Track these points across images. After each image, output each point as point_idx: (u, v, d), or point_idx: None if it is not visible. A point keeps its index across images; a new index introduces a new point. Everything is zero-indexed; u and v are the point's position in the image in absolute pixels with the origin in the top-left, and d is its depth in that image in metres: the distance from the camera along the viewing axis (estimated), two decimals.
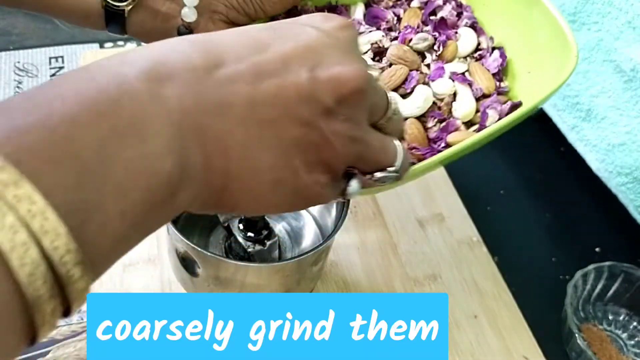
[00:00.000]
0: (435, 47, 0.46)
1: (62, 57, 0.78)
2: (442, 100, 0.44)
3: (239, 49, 0.28)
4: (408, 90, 0.44)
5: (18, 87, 0.75)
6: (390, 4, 0.49)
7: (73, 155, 0.22)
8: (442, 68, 0.45)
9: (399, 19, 0.48)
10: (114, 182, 0.23)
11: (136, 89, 0.24)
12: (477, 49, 0.47)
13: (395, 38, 0.47)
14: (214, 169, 0.27)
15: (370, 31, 0.47)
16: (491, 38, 0.47)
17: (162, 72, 0.26)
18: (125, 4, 0.42)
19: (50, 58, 0.78)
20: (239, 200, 0.29)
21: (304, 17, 0.33)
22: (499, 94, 0.45)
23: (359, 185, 0.33)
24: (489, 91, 0.44)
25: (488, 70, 0.46)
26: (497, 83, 0.45)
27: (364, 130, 0.32)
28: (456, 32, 0.47)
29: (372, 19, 0.49)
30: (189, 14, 0.44)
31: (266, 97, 0.28)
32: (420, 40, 0.46)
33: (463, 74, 0.45)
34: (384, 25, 0.48)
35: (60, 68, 0.77)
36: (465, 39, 0.47)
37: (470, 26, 0.48)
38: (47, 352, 0.54)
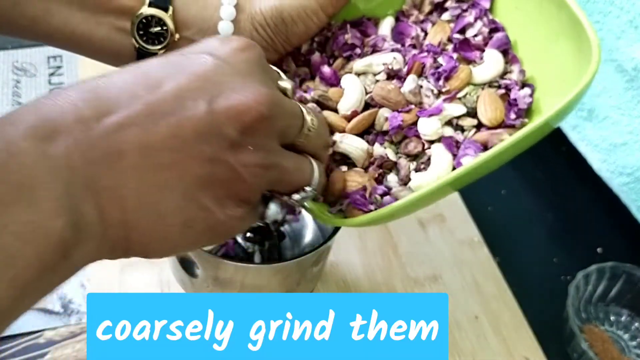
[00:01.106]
0: (433, 79, 0.39)
1: (60, 56, 0.78)
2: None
3: (130, 91, 0.27)
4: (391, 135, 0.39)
5: (16, 86, 0.74)
6: (421, 17, 0.44)
7: None
8: (440, 108, 0.38)
9: (427, 35, 0.43)
10: (2, 250, 0.22)
11: (23, 149, 0.24)
12: (503, 77, 0.40)
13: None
14: (111, 222, 0.26)
15: (393, 49, 0.42)
16: (522, 71, 0.40)
17: (48, 128, 0.25)
18: (159, 47, 0.40)
19: (48, 57, 0.78)
20: (147, 246, 0.28)
21: (200, 43, 0.31)
22: (506, 126, 0.38)
23: (278, 208, 0.33)
24: (491, 124, 0.38)
25: (506, 100, 0.39)
26: (512, 116, 0.38)
27: (276, 155, 0.30)
28: (482, 56, 0.40)
29: (398, 35, 0.44)
30: None
31: (161, 139, 0.27)
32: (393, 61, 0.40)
33: (451, 138, 0.38)
34: (408, 42, 0.43)
35: (59, 67, 0.77)
36: (489, 64, 0.40)
37: (501, 50, 0.41)
38: (46, 353, 0.53)
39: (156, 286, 0.58)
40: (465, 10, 0.42)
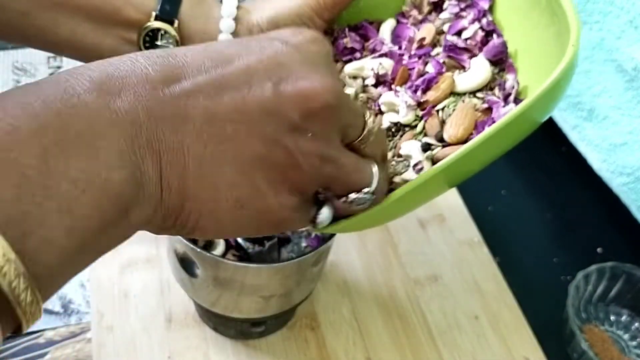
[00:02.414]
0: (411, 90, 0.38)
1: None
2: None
3: (201, 63, 0.27)
4: None
5: (16, 86, 0.74)
6: (420, 18, 0.43)
7: (11, 167, 0.21)
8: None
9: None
10: (59, 197, 0.22)
11: (85, 101, 0.24)
12: (492, 88, 0.38)
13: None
14: (170, 186, 0.26)
15: (387, 53, 0.42)
16: (517, 82, 0.38)
17: (114, 85, 0.25)
18: None
19: (48, 57, 0.78)
20: (198, 221, 0.28)
21: (273, 32, 0.31)
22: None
23: (331, 213, 0.32)
24: (450, 140, 0.36)
25: (488, 114, 0.37)
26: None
27: (336, 150, 0.30)
28: (469, 61, 0.39)
29: (396, 38, 0.43)
30: None
31: (227, 111, 0.27)
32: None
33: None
34: (404, 45, 0.42)
35: (59, 67, 0.77)
36: (474, 73, 0.38)
37: (494, 61, 0.39)
38: (46, 353, 0.53)
39: (156, 286, 0.58)
40: (464, 10, 0.41)
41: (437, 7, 0.43)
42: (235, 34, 0.41)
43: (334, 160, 0.30)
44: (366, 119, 0.31)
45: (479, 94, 0.38)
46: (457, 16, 0.42)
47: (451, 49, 0.39)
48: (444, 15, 0.42)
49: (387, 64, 0.41)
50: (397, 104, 0.39)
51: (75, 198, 0.22)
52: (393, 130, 0.39)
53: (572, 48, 0.32)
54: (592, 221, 0.71)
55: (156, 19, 0.40)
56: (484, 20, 0.40)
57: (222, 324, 0.55)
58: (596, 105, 0.62)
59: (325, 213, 0.32)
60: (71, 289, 0.58)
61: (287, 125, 0.27)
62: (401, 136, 0.39)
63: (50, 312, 0.56)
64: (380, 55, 0.42)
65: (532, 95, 0.32)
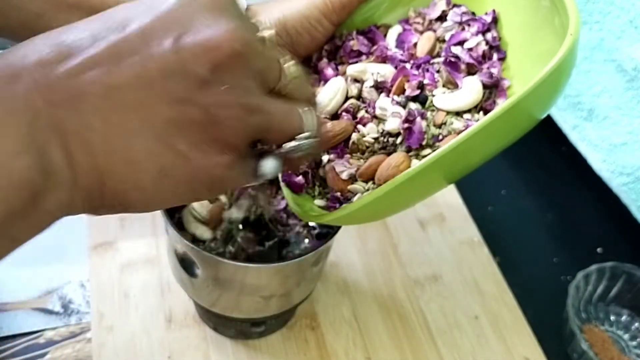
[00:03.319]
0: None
1: None
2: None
3: (94, 34, 0.26)
4: None
5: None
6: (420, 28, 0.43)
7: None
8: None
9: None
10: None
11: None
12: (479, 111, 0.37)
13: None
14: (81, 166, 0.25)
15: (389, 57, 0.41)
16: None
17: (10, 72, 0.24)
18: None
19: None
20: (124, 195, 0.27)
21: None
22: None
23: (276, 163, 0.31)
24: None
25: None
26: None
27: (257, 98, 0.28)
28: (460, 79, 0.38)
29: (400, 44, 0.42)
30: None
31: (125, 79, 0.25)
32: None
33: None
34: (406, 54, 0.42)
35: None
36: (463, 94, 0.37)
37: (487, 84, 0.37)
38: (46, 353, 0.53)
39: (156, 286, 0.58)
40: (467, 22, 0.41)
41: (440, 18, 0.43)
42: None
43: (258, 109, 0.28)
44: (281, 62, 0.30)
45: (465, 115, 0.37)
46: (461, 24, 0.41)
47: (451, 63, 0.39)
48: (447, 23, 0.42)
49: (387, 72, 0.40)
50: (387, 113, 0.39)
51: None
52: (382, 139, 0.39)
53: (570, 37, 0.32)
54: (592, 221, 0.71)
55: None
56: (489, 35, 0.40)
57: (222, 324, 0.55)
58: (596, 105, 0.62)
59: (268, 164, 0.31)
60: (71, 289, 0.58)
61: (194, 82, 0.26)
62: (391, 147, 0.39)
63: (50, 312, 0.56)
64: (383, 60, 0.41)
65: (529, 84, 0.31)
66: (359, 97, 0.41)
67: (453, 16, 0.41)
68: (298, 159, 0.32)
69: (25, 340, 0.54)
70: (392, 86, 0.39)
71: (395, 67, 0.40)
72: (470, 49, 0.39)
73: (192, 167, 0.27)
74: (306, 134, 0.30)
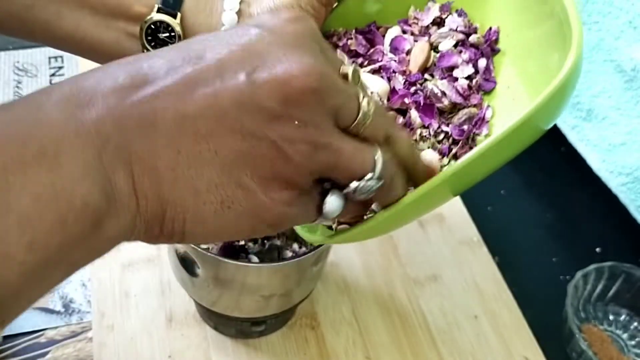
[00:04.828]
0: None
1: (61, 56, 0.78)
2: None
3: (170, 63, 0.26)
4: None
5: (17, 86, 0.75)
6: (417, 32, 0.41)
7: None
8: None
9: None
10: (18, 212, 0.22)
11: (49, 116, 0.23)
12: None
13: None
14: (145, 193, 0.25)
15: (385, 65, 0.40)
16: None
17: (82, 98, 0.24)
18: None
19: (49, 58, 0.78)
20: (184, 227, 0.27)
21: (253, 18, 0.29)
22: None
23: (341, 202, 0.30)
24: None
25: None
26: None
27: (328, 136, 0.27)
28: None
29: (394, 50, 0.41)
30: None
31: (198, 109, 0.25)
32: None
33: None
34: (398, 68, 0.41)
35: (60, 68, 0.77)
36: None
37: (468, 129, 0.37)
38: (47, 353, 0.54)
39: (157, 286, 0.58)
40: (461, 43, 0.40)
41: (437, 23, 0.42)
42: None
43: (327, 146, 0.27)
44: (360, 100, 0.29)
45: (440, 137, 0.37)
46: (456, 47, 0.40)
47: (426, 106, 0.38)
48: (443, 30, 0.41)
49: (380, 89, 0.39)
50: None
51: (36, 212, 0.22)
52: None
53: (575, 50, 0.31)
54: (591, 221, 0.71)
55: (159, 11, 0.39)
56: (481, 63, 0.39)
57: (222, 323, 0.55)
58: (595, 105, 0.63)
59: (333, 202, 0.30)
60: (72, 289, 0.58)
61: (266, 116, 0.26)
62: None
63: (51, 311, 0.56)
64: (378, 69, 0.40)
65: (536, 101, 0.31)
66: (355, 74, 0.39)
67: (451, 23, 0.41)
68: (363, 203, 0.31)
69: (27, 339, 0.55)
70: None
71: (389, 79, 0.40)
72: (456, 79, 0.38)
73: (253, 202, 0.27)
74: (369, 175, 0.29)
